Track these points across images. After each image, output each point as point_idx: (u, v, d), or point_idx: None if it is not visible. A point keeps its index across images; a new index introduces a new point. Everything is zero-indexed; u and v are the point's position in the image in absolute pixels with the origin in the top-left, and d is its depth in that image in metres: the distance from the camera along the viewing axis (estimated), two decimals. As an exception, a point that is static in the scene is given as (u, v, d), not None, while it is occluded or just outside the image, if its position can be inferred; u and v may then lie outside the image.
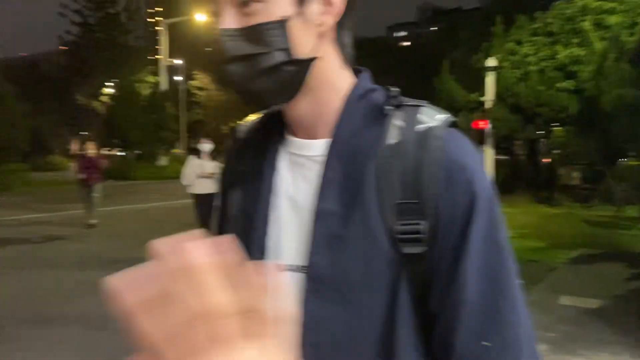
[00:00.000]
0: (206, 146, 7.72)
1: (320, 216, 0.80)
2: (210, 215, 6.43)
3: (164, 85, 30.30)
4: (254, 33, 0.76)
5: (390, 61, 31.92)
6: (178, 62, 37.59)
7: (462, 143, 0.80)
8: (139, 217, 12.66)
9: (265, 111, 0.96)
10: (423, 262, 0.77)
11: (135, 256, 8.84)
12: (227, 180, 0.97)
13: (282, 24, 0.76)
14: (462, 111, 15.60)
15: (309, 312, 0.79)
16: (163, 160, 28.04)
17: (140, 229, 10.56)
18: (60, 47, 46.67)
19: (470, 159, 0.78)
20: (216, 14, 0.79)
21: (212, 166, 7.52)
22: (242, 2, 0.75)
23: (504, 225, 0.78)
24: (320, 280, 0.79)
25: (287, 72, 0.78)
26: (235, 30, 0.76)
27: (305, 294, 0.79)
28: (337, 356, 0.78)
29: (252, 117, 1.00)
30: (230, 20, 0.76)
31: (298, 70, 0.79)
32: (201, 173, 7.48)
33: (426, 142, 0.77)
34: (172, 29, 33.25)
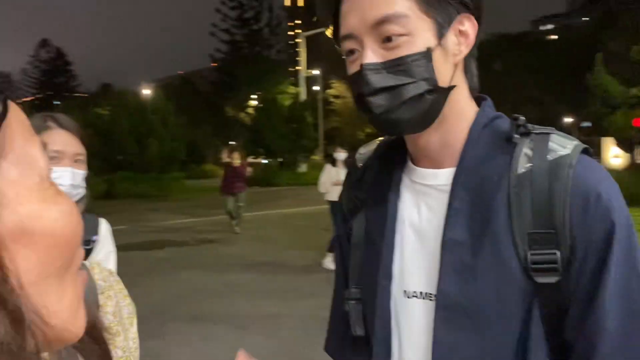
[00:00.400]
0: (341, 154, 7.88)
1: (448, 246, 0.81)
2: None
3: (303, 95, 31.55)
4: (399, 65, 0.78)
5: (536, 57, 29.98)
6: (316, 72, 38.92)
7: (596, 170, 0.78)
8: (281, 221, 13.27)
9: (385, 139, 0.98)
10: (557, 291, 0.76)
11: (278, 259, 9.21)
12: (348, 206, 0.99)
13: (426, 54, 0.78)
14: (621, 108, 14.14)
15: (439, 339, 0.81)
16: (303, 167, 29.16)
17: (282, 234, 11.06)
18: (212, 64, 50.83)
19: (605, 187, 0.76)
20: (352, 52, 0.82)
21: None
22: (385, 37, 0.78)
23: None
24: (450, 308, 0.80)
25: (429, 100, 0.80)
26: (380, 63, 0.78)
27: (435, 322, 0.81)
28: None
29: (370, 146, 1.01)
30: (373, 55, 0.79)
31: (438, 99, 0.81)
32: (336, 181, 7.64)
33: (558, 171, 0.76)
34: (310, 41, 34.49)
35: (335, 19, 0.85)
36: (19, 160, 0.36)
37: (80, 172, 1.52)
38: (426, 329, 0.83)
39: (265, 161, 30.29)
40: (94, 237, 1.62)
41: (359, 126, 37.20)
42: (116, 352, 0.96)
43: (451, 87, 0.82)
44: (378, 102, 0.79)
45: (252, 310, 5.72)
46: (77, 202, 1.54)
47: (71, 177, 1.48)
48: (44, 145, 0.35)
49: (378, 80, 0.78)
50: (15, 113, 0.38)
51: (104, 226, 1.65)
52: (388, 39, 0.78)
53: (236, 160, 11.06)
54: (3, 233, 0.34)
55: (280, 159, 28.78)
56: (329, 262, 7.70)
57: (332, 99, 39.85)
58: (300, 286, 6.80)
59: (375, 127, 0.84)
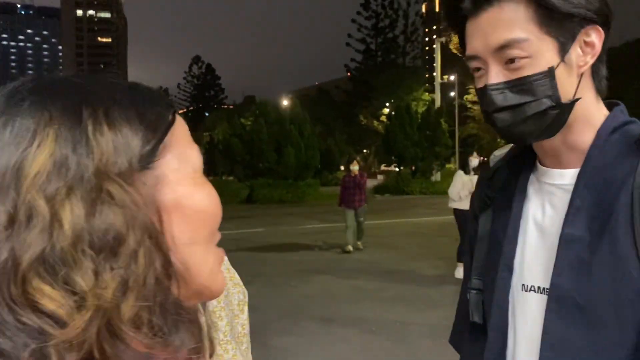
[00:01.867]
0: (474, 161, 7.61)
1: (565, 241, 0.84)
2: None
3: (438, 101, 30.97)
4: (521, 85, 0.82)
5: None
6: (452, 78, 37.95)
7: None
8: (412, 230, 13.18)
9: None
10: None
11: (408, 268, 9.09)
12: (479, 204, 1.05)
13: (548, 73, 0.81)
14: None
15: (550, 331, 0.84)
16: (437, 176, 28.58)
17: (413, 242, 10.99)
18: (348, 74, 51.90)
19: None
20: (477, 69, 0.88)
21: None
22: (509, 59, 0.82)
23: None
24: (562, 301, 0.83)
25: (552, 115, 0.83)
26: (503, 83, 0.83)
27: (546, 314, 0.84)
28: None
29: (504, 149, 1.07)
30: (496, 76, 0.84)
31: (562, 112, 0.83)
32: (470, 189, 7.42)
33: None
34: (446, 47, 33.79)
35: (460, 35, 0.91)
36: (180, 156, 0.50)
37: None
38: (541, 322, 0.86)
39: (397, 169, 30.18)
40: None
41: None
42: (218, 334, 1.09)
43: (575, 100, 0.83)
44: (502, 117, 0.84)
45: (381, 315, 5.78)
46: None
47: None
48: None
49: (502, 99, 0.83)
50: (181, 123, 0.52)
51: None
52: (511, 60, 0.82)
53: (354, 168, 10.00)
54: (165, 203, 0.47)
55: (412, 167, 28.50)
56: (460, 272, 7.53)
57: (469, 105, 38.48)
58: (430, 295, 6.72)
59: (501, 138, 0.90)
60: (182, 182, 0.49)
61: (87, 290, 0.41)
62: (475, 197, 1.08)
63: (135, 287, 0.43)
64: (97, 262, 0.42)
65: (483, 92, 0.85)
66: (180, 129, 0.52)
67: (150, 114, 0.48)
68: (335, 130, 38.04)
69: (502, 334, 0.93)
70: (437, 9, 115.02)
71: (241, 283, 1.18)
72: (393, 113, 31.25)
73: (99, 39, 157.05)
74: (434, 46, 34.68)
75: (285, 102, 34.75)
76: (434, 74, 34.02)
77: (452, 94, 40.35)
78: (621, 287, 0.77)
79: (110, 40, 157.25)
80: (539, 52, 0.81)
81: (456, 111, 36.90)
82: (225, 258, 1.20)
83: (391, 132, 28.36)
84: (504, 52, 0.82)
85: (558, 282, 0.83)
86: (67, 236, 0.41)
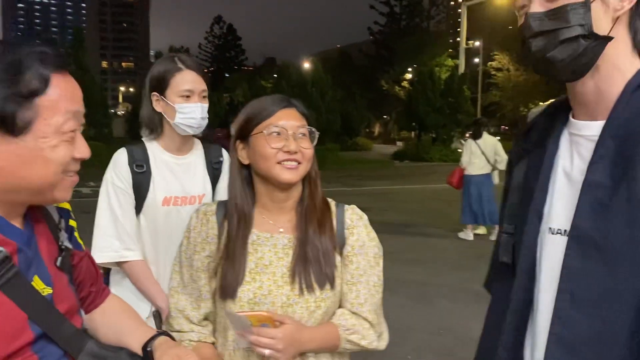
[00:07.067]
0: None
1: (587, 186, 0.92)
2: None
3: (462, 68, 30.39)
4: (558, 13, 0.91)
5: None
6: (477, 43, 37.02)
7: None
8: (431, 195, 13.24)
9: (553, 101, 1.11)
10: None
11: (425, 232, 9.15)
12: (515, 157, 1.14)
13: (584, 4, 0.89)
14: None
15: (567, 264, 0.92)
16: (457, 143, 28.30)
17: (431, 207, 11.07)
18: (370, 37, 51.04)
19: None
20: (522, 7, 0.98)
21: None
22: None
23: None
24: (581, 240, 0.91)
25: (583, 45, 0.90)
26: (542, 12, 0.93)
27: (566, 250, 0.93)
28: (591, 306, 0.89)
29: (542, 105, 1.16)
30: (538, 6, 0.94)
31: (592, 46, 0.91)
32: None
33: None
34: (472, 11, 32.92)
35: None
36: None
37: (206, 106, 1.87)
38: (561, 261, 0.94)
39: (417, 136, 29.90)
40: (220, 159, 2.00)
41: (522, 102, 34.89)
42: (345, 275, 1.33)
43: (608, 38, 0.90)
44: (537, 43, 0.93)
45: (401, 275, 5.91)
46: (204, 129, 1.90)
47: (200, 111, 1.83)
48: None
49: (538, 25, 0.93)
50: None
51: (225, 154, 2.00)
52: None
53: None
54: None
55: (433, 134, 28.23)
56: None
57: (493, 72, 37.65)
58: (449, 258, 6.84)
59: (533, 68, 0.98)
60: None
61: None
62: (512, 149, 1.16)
63: None
64: None
65: (524, 22, 0.95)
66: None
67: None
68: (355, 94, 37.65)
69: (530, 273, 1.01)
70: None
71: (377, 239, 1.39)
72: (415, 79, 30.82)
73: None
74: (459, 10, 33.80)
75: (306, 65, 34.40)
76: (458, 39, 33.28)
77: (477, 60, 39.49)
78: (636, 229, 0.84)
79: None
80: None
81: (480, 78, 36.19)
82: (364, 215, 1.38)
83: (413, 98, 28.06)
84: None
85: (578, 223, 0.91)
86: None
